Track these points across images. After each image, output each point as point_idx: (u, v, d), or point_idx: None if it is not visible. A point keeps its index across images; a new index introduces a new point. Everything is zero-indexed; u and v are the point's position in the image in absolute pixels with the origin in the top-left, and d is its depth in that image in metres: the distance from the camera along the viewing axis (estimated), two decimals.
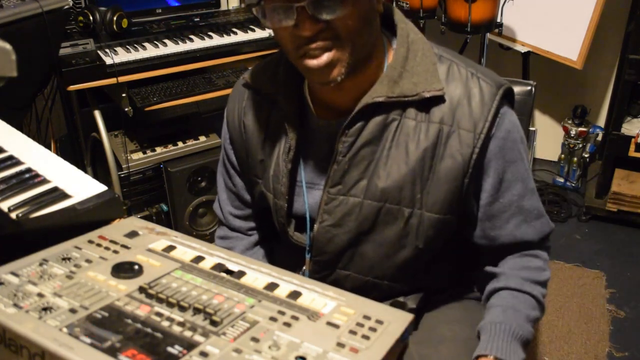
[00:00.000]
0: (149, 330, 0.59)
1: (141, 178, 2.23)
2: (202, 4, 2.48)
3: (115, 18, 2.08)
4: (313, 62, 0.87)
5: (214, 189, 2.15)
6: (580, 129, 2.78)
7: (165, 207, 2.32)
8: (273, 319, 0.62)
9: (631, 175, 2.62)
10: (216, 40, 2.19)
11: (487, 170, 0.97)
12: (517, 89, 1.31)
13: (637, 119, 2.59)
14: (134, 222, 0.84)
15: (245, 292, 0.67)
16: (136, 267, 0.71)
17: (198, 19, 2.36)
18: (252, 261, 0.74)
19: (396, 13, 0.99)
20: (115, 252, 0.75)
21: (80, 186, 0.94)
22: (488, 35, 2.45)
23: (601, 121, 2.89)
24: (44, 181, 0.96)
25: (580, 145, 2.83)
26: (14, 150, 1.05)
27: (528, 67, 2.62)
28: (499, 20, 2.39)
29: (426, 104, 0.94)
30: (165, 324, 0.61)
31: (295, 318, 0.63)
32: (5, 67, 0.67)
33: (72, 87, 1.94)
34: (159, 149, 2.24)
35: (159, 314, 0.62)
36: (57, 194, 0.92)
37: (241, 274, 0.71)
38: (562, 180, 2.93)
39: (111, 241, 0.78)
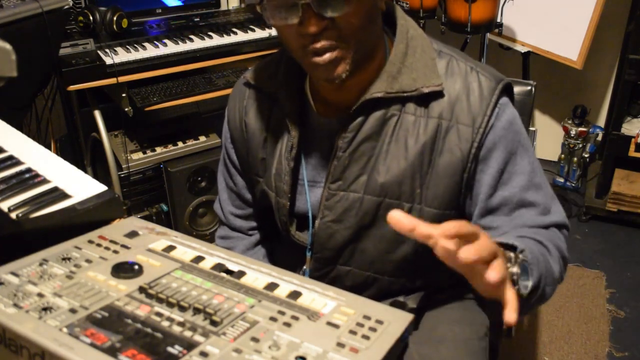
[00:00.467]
0: (149, 330, 0.59)
1: (141, 178, 2.23)
2: (202, 4, 2.48)
3: (115, 18, 2.08)
4: (318, 59, 0.87)
5: (214, 189, 2.16)
6: (580, 129, 2.78)
7: (165, 207, 2.32)
8: (273, 319, 0.62)
9: (631, 175, 2.63)
10: (216, 40, 2.19)
11: (487, 162, 0.95)
12: (517, 89, 1.31)
13: (637, 119, 2.59)
14: (134, 222, 0.84)
15: (245, 292, 0.67)
16: (136, 267, 0.71)
17: (198, 19, 2.36)
18: (252, 261, 0.74)
19: (397, 10, 0.99)
20: (115, 252, 0.75)
21: (80, 186, 0.94)
22: (488, 35, 2.45)
23: (601, 121, 2.89)
24: (44, 181, 0.96)
25: (580, 145, 2.83)
26: (14, 150, 1.05)
27: (528, 67, 2.62)
28: (499, 20, 2.39)
29: (425, 99, 0.94)
30: (165, 324, 0.61)
31: (295, 318, 0.63)
32: (5, 67, 0.67)
33: (72, 87, 1.94)
34: (159, 149, 2.24)
35: (159, 314, 0.62)
36: (57, 194, 0.92)
37: (241, 274, 0.71)
38: (562, 180, 2.93)
39: (111, 241, 0.78)
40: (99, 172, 2.37)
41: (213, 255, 0.75)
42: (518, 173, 0.96)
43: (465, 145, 0.93)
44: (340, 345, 0.58)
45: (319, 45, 0.86)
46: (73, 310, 0.62)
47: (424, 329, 1.10)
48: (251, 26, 2.31)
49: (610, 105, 2.78)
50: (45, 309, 0.62)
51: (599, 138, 2.84)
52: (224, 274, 0.71)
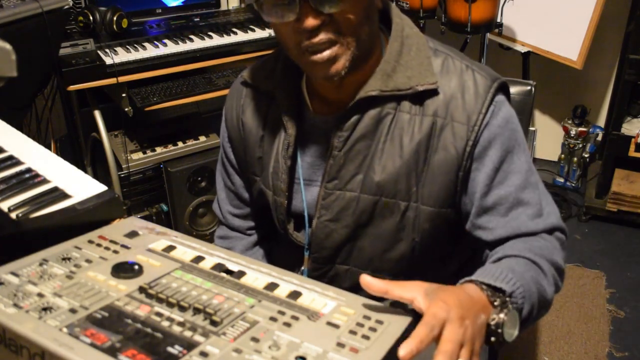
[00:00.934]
0: (149, 330, 0.59)
1: (141, 178, 2.23)
2: (202, 4, 2.48)
3: (115, 18, 2.08)
4: (316, 56, 0.87)
5: (214, 189, 2.15)
6: (580, 129, 2.78)
7: (165, 207, 2.32)
8: (273, 319, 0.62)
9: (631, 175, 2.62)
10: (216, 40, 2.19)
11: (482, 160, 0.94)
12: (517, 89, 1.31)
13: (637, 119, 2.59)
14: (134, 222, 0.84)
15: (245, 292, 0.67)
16: (136, 267, 0.71)
17: (198, 19, 2.36)
18: (252, 261, 0.75)
19: (392, 9, 0.99)
20: (115, 252, 0.75)
21: (80, 186, 0.94)
22: (488, 35, 2.45)
23: (601, 121, 2.89)
24: (44, 181, 0.96)
25: (580, 145, 2.83)
26: (14, 150, 1.05)
27: (528, 67, 2.62)
28: (499, 20, 2.39)
29: (420, 97, 0.94)
30: (165, 324, 0.61)
31: (295, 318, 0.63)
32: (5, 67, 0.67)
33: (72, 87, 1.94)
34: (159, 149, 2.24)
35: (159, 314, 0.62)
36: (57, 194, 0.92)
37: (241, 274, 0.71)
38: (562, 180, 2.93)
39: (111, 241, 0.78)
40: (99, 172, 2.37)
41: (213, 255, 0.75)
42: (515, 172, 0.96)
43: (460, 143, 0.93)
44: (340, 345, 0.58)
45: (316, 40, 0.86)
46: (73, 310, 0.62)
47: None
48: (251, 26, 2.31)
49: (610, 105, 2.78)
50: (45, 309, 0.62)
51: (599, 138, 2.84)
52: (224, 274, 0.71)
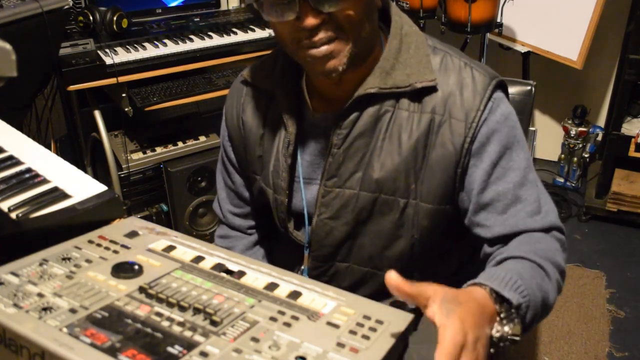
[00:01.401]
0: (149, 330, 0.59)
1: (141, 178, 2.23)
2: (202, 4, 2.48)
3: (115, 18, 2.08)
4: (315, 51, 0.87)
5: (214, 189, 2.15)
6: (580, 129, 2.78)
7: (165, 207, 2.32)
8: (273, 319, 0.62)
9: (631, 175, 2.62)
10: (216, 40, 2.19)
11: (480, 156, 0.94)
12: (517, 89, 1.31)
13: (637, 119, 2.59)
14: (134, 222, 0.84)
15: (245, 292, 0.67)
16: (136, 267, 0.71)
17: (198, 19, 2.36)
18: (252, 261, 0.75)
19: (392, 7, 0.99)
20: (115, 252, 0.75)
21: (80, 186, 0.94)
22: (488, 35, 2.45)
23: (601, 121, 2.89)
24: (44, 181, 0.96)
25: (580, 145, 2.83)
26: (14, 150, 1.05)
27: (528, 67, 2.62)
28: (499, 20, 2.39)
29: (419, 95, 0.94)
30: (165, 324, 0.61)
31: (295, 318, 0.63)
32: (5, 67, 0.67)
33: (72, 87, 1.94)
34: (159, 149, 2.24)
35: (159, 314, 0.62)
36: (57, 194, 0.92)
37: (241, 274, 0.71)
38: (562, 180, 2.93)
39: (111, 241, 0.78)
40: (99, 172, 2.37)
41: (213, 255, 0.75)
42: (513, 168, 0.95)
43: (457, 139, 0.93)
44: (340, 345, 0.58)
45: (316, 38, 0.86)
46: (73, 310, 0.62)
47: (423, 330, 1.10)
48: (251, 26, 2.31)
49: (610, 105, 2.78)
50: (45, 309, 0.62)
51: (599, 138, 2.84)
52: (224, 274, 0.71)
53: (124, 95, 2.06)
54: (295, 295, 0.67)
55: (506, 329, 0.71)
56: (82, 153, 2.31)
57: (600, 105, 2.89)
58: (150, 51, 2.06)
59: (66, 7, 1.90)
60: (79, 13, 2.07)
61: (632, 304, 2.19)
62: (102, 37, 2.08)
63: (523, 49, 2.57)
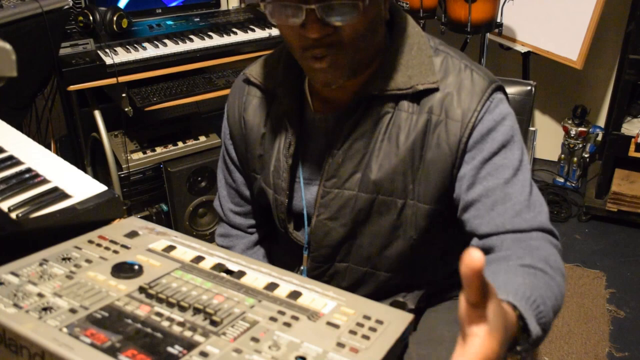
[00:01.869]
0: (149, 330, 0.59)
1: (141, 178, 2.23)
2: (202, 4, 2.48)
3: (115, 18, 2.08)
4: (316, 65, 0.88)
5: (214, 189, 2.15)
6: (580, 129, 2.78)
7: (165, 207, 2.32)
8: (273, 319, 0.62)
9: (631, 175, 2.62)
10: (216, 40, 2.19)
11: (472, 153, 0.92)
12: (517, 89, 1.32)
13: (637, 119, 2.59)
14: (134, 222, 0.84)
15: (245, 292, 0.67)
16: (136, 267, 0.71)
17: (198, 19, 2.36)
18: (252, 261, 0.75)
19: (397, 10, 0.99)
20: (115, 252, 0.75)
21: (80, 186, 0.94)
22: (488, 35, 2.45)
23: (601, 121, 2.89)
24: (44, 181, 0.96)
25: (580, 145, 2.83)
26: (14, 150, 1.05)
27: (528, 67, 2.62)
28: (499, 20, 2.39)
29: (419, 96, 0.94)
30: (165, 324, 0.61)
31: (295, 318, 0.63)
32: (5, 67, 0.66)
33: (72, 87, 1.94)
34: (159, 149, 2.24)
35: (159, 314, 0.62)
36: (57, 194, 0.92)
37: (241, 274, 0.71)
38: (562, 180, 2.93)
39: (111, 241, 0.78)
40: (99, 172, 2.37)
41: (213, 255, 0.75)
42: (505, 166, 0.92)
43: (453, 139, 0.93)
44: (340, 345, 0.58)
45: (317, 51, 0.87)
46: (73, 310, 0.62)
47: (422, 330, 1.10)
48: (251, 26, 2.31)
49: (610, 105, 2.78)
50: (45, 309, 0.62)
51: (599, 138, 2.84)
52: (224, 274, 0.71)
53: (124, 95, 2.06)
54: (295, 295, 0.67)
55: (520, 348, 0.69)
56: (82, 153, 2.31)
57: (600, 105, 2.89)
58: (150, 51, 2.06)
59: (66, 7, 1.90)
60: (79, 13, 2.07)
61: (632, 304, 2.19)
62: (102, 37, 2.08)
63: (523, 49, 2.57)
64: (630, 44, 2.36)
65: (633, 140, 2.47)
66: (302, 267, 1.10)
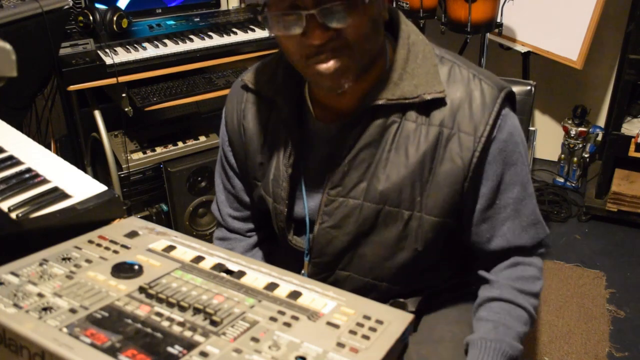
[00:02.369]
0: (149, 330, 0.59)
1: (141, 178, 2.23)
2: (202, 4, 2.48)
3: (115, 18, 2.08)
4: (323, 67, 0.86)
5: (214, 189, 2.15)
6: (580, 129, 2.78)
7: (165, 207, 2.32)
8: (273, 319, 0.62)
9: (631, 175, 2.62)
10: (216, 40, 2.19)
11: (486, 173, 0.96)
12: (517, 89, 1.31)
13: (637, 119, 2.59)
14: (134, 222, 0.84)
15: (245, 292, 0.67)
16: (136, 267, 0.71)
17: (198, 19, 2.36)
18: (252, 261, 0.74)
19: (400, 16, 0.98)
20: (115, 252, 0.75)
21: (80, 186, 0.94)
22: (488, 35, 2.45)
23: (601, 121, 2.89)
24: (44, 181, 0.96)
25: (580, 145, 2.83)
26: (14, 150, 1.05)
27: (528, 67, 2.62)
28: (499, 20, 2.39)
29: (427, 107, 0.93)
30: (165, 324, 0.61)
31: (295, 318, 0.63)
32: (5, 67, 0.66)
33: (72, 87, 1.94)
34: (159, 149, 2.24)
35: (159, 314, 0.62)
36: (57, 194, 0.92)
37: (241, 274, 0.71)
38: (562, 180, 2.93)
39: (111, 241, 0.78)
40: (99, 172, 2.37)
41: (213, 255, 0.75)
42: (516, 183, 0.98)
43: (466, 153, 0.93)
44: (340, 345, 0.58)
45: (323, 56, 0.85)
46: (73, 310, 0.62)
47: (423, 330, 1.10)
48: (251, 26, 2.31)
49: (610, 105, 2.78)
50: (45, 309, 0.62)
51: (599, 138, 2.84)
52: (224, 274, 0.71)
53: (124, 95, 2.06)
54: (295, 295, 0.67)
55: None
56: (82, 153, 2.31)
57: (600, 105, 2.89)
58: (150, 51, 2.06)
59: (66, 7, 1.90)
60: (79, 13, 2.07)
61: (632, 304, 2.19)
62: (102, 37, 2.08)
63: (523, 49, 2.57)
64: (630, 44, 2.36)
65: (633, 140, 2.47)
66: (302, 272, 1.09)
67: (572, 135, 2.80)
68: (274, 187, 1.04)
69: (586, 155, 2.85)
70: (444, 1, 2.37)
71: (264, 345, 0.58)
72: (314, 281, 0.70)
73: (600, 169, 2.64)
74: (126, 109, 2.08)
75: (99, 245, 0.77)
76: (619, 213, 2.57)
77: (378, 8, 0.88)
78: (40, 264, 0.71)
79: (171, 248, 0.77)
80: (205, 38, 2.19)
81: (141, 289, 0.66)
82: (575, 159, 2.86)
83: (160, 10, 2.38)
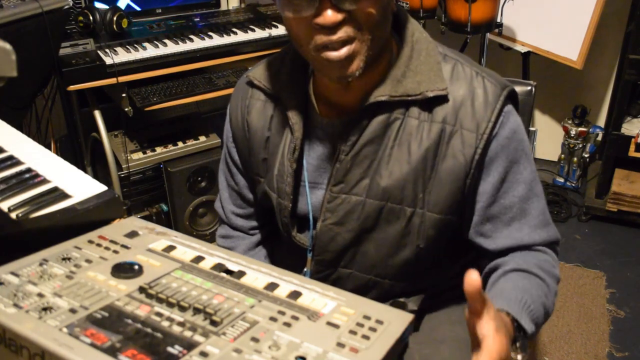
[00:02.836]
0: (149, 330, 0.59)
1: (141, 178, 2.23)
2: (202, 4, 2.48)
3: (115, 18, 2.08)
4: (334, 54, 0.85)
5: (214, 189, 2.15)
6: (580, 129, 2.78)
7: (165, 207, 2.32)
8: (273, 319, 0.62)
9: (631, 175, 2.63)
10: (216, 40, 2.19)
11: (489, 170, 0.95)
12: (517, 89, 1.31)
13: (637, 119, 2.59)
14: (134, 222, 0.84)
15: (245, 292, 0.67)
16: (136, 267, 0.71)
17: (198, 19, 2.36)
18: (252, 261, 0.74)
19: (404, 13, 0.99)
20: (115, 252, 0.75)
21: (80, 186, 0.94)
22: (488, 35, 2.45)
23: (601, 121, 2.89)
24: (44, 181, 0.96)
25: (580, 145, 2.83)
26: (14, 150, 1.05)
27: (528, 67, 2.62)
28: (499, 20, 2.39)
29: (429, 104, 0.93)
30: (165, 324, 0.61)
31: (295, 318, 0.63)
32: (5, 67, 0.66)
33: (72, 87, 1.94)
34: (159, 149, 2.24)
35: (159, 314, 0.62)
36: (57, 194, 0.92)
37: (241, 274, 0.71)
38: (562, 180, 2.93)
39: (111, 241, 0.78)
40: (99, 172, 2.37)
41: (213, 255, 0.75)
42: (520, 182, 0.97)
43: (468, 150, 0.93)
44: (340, 345, 0.58)
45: (335, 37, 0.83)
46: (73, 310, 0.62)
47: (424, 330, 1.10)
48: (251, 26, 2.31)
49: (610, 105, 2.78)
50: (45, 309, 0.62)
51: (599, 138, 2.84)
52: (224, 274, 0.71)
53: (124, 95, 2.06)
54: (295, 295, 0.67)
55: (519, 357, 0.80)
56: (82, 153, 2.31)
57: (600, 105, 2.89)
58: (150, 51, 2.06)
59: (66, 7, 1.90)
60: (79, 13, 2.07)
61: (632, 304, 2.19)
62: (102, 37, 2.08)
63: (523, 49, 2.57)
64: (630, 44, 2.36)
65: (633, 140, 2.47)
66: (305, 269, 1.10)
67: (572, 135, 2.80)
68: (279, 183, 1.04)
69: (586, 155, 2.85)
70: (444, 1, 2.37)
71: (264, 345, 0.58)
72: (314, 281, 0.70)
73: (600, 169, 2.64)
74: (126, 109, 2.08)
75: (99, 245, 0.77)
76: (619, 213, 2.57)
77: None
78: (40, 264, 0.71)
79: (171, 248, 0.77)
80: (205, 38, 2.19)
81: (141, 289, 0.66)
82: (575, 159, 2.86)
83: (160, 10, 2.38)
